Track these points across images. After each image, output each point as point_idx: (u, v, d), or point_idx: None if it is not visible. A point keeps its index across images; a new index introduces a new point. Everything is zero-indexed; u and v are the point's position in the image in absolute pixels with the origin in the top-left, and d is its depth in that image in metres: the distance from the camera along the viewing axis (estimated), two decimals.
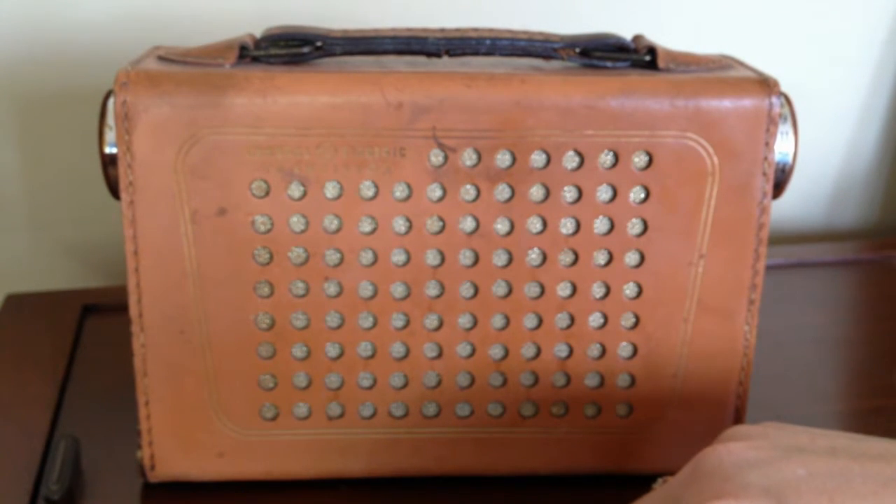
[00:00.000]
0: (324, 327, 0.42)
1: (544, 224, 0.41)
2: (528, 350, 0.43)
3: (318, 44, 0.41)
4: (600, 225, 0.41)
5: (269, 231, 0.40)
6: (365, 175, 0.40)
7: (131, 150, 0.39)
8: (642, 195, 0.41)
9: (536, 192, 0.41)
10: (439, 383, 0.43)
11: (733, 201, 0.41)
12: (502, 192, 0.40)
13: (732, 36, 0.70)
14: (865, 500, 0.29)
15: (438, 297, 0.42)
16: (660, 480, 0.36)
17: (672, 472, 0.45)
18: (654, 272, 0.42)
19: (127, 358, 0.42)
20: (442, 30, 0.42)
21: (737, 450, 0.32)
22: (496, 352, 0.43)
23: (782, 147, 0.41)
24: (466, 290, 0.42)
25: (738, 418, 0.44)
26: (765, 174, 0.41)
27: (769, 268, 0.66)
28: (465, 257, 0.41)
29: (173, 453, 0.43)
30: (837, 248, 0.73)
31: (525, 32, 0.42)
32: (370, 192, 0.40)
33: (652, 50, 0.42)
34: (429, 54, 0.42)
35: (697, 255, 0.41)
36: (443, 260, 0.41)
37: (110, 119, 0.39)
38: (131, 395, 0.42)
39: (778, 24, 0.71)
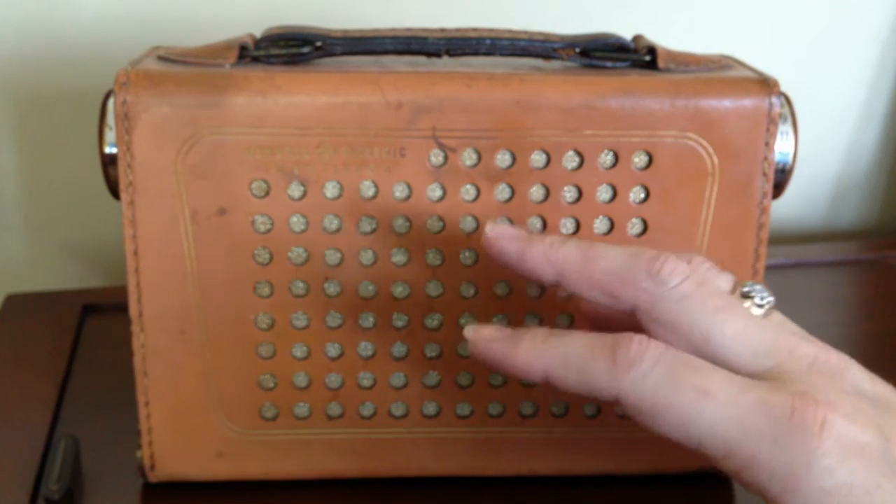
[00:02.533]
0: (324, 327, 0.42)
1: (544, 224, 0.41)
2: None
3: (318, 44, 0.41)
4: (600, 225, 0.41)
5: (269, 231, 0.40)
6: (365, 175, 0.40)
7: (131, 150, 0.39)
8: (642, 195, 0.41)
9: (536, 192, 0.41)
10: (439, 383, 0.43)
11: (733, 201, 0.41)
12: (502, 192, 0.41)
13: (732, 36, 0.70)
14: None
15: (438, 297, 0.42)
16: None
17: (672, 473, 0.45)
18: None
19: (127, 358, 0.42)
20: (442, 30, 0.42)
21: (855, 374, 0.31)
22: None
23: (782, 147, 0.41)
24: (466, 290, 0.42)
25: None
26: (765, 174, 0.41)
27: (769, 268, 0.66)
28: (465, 257, 0.41)
29: (173, 453, 0.43)
30: (837, 248, 0.73)
31: (525, 32, 0.42)
32: (370, 192, 0.40)
33: (652, 50, 0.42)
34: (429, 54, 0.42)
35: None
36: (443, 260, 0.41)
37: (110, 119, 0.39)
38: (131, 395, 0.42)
39: (778, 24, 0.71)
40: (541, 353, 0.32)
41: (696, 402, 0.29)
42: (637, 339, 0.30)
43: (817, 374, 0.30)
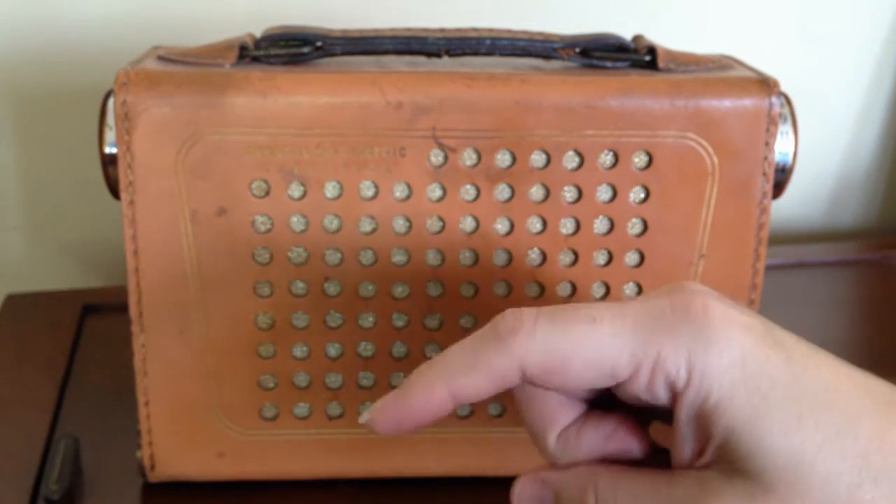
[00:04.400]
0: (324, 327, 0.42)
1: (544, 224, 0.41)
2: None
3: (318, 44, 0.41)
4: (600, 225, 0.41)
5: (269, 231, 0.40)
6: (365, 175, 0.40)
7: (131, 150, 0.39)
8: (642, 195, 0.41)
9: (536, 192, 0.41)
10: None
11: (733, 201, 0.41)
12: (502, 192, 0.41)
13: (732, 36, 0.70)
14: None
15: (438, 297, 0.42)
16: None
17: None
18: (654, 272, 0.42)
19: (127, 358, 0.42)
20: (442, 30, 0.42)
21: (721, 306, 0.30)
22: None
23: (782, 147, 0.41)
24: (466, 290, 0.42)
25: None
26: (765, 174, 0.41)
27: (769, 268, 0.66)
28: (465, 257, 0.41)
29: (173, 453, 0.43)
30: (837, 248, 0.73)
31: (525, 32, 0.42)
32: (370, 192, 0.40)
33: (652, 50, 0.42)
34: (429, 54, 0.42)
35: (697, 255, 0.42)
36: (443, 260, 0.41)
37: (110, 119, 0.40)
38: (131, 395, 0.42)
39: (778, 25, 0.71)
40: (432, 377, 0.31)
41: (591, 332, 0.29)
42: (509, 310, 0.30)
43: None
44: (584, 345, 0.29)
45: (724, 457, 0.29)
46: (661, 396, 0.30)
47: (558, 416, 0.32)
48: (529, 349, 0.30)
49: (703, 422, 0.29)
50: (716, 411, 0.28)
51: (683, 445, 0.30)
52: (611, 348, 0.29)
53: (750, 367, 0.28)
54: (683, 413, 0.29)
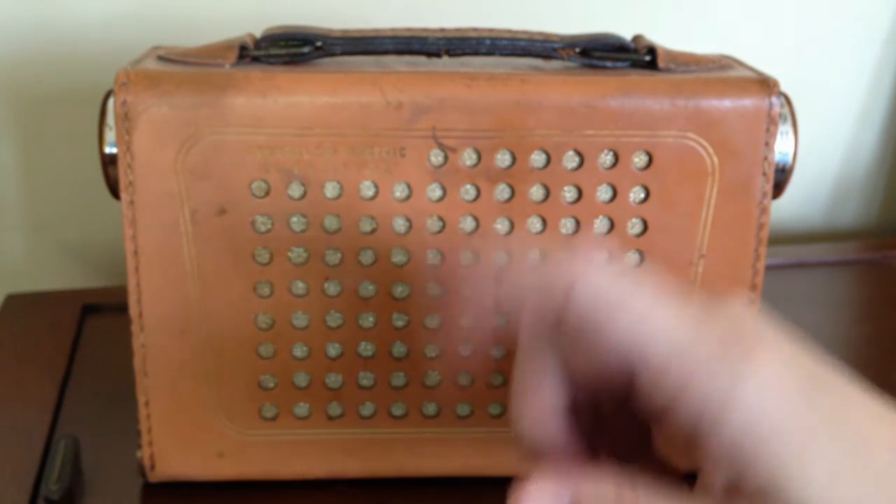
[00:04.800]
0: (324, 327, 0.42)
1: (544, 224, 0.41)
2: None
3: (318, 44, 0.41)
4: (600, 225, 0.41)
5: (269, 231, 0.40)
6: (365, 175, 0.40)
7: (131, 150, 0.39)
8: (642, 195, 0.41)
9: (536, 192, 0.41)
10: (439, 383, 0.43)
11: (733, 201, 0.41)
12: (502, 192, 0.41)
13: (732, 36, 0.70)
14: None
15: (439, 296, 0.42)
16: None
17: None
18: (654, 272, 0.42)
19: (127, 358, 0.42)
20: (442, 30, 0.42)
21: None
22: (497, 351, 0.43)
23: (782, 147, 0.41)
24: (466, 290, 0.42)
25: None
26: (765, 174, 0.41)
27: (769, 268, 0.66)
28: (465, 257, 0.41)
29: (173, 453, 0.43)
30: (837, 248, 0.73)
31: (525, 32, 0.42)
32: (370, 192, 0.40)
33: (652, 50, 0.42)
34: (429, 54, 0.42)
35: (697, 254, 0.41)
36: (443, 260, 0.41)
37: (110, 119, 0.40)
38: (131, 395, 0.42)
39: (778, 25, 0.71)
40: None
41: (653, 301, 0.28)
42: (594, 238, 0.29)
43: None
44: (640, 309, 0.28)
45: (759, 499, 0.27)
46: (686, 417, 0.28)
47: (548, 389, 0.31)
48: (591, 276, 0.28)
49: (736, 459, 0.27)
50: (753, 452, 0.27)
51: (715, 478, 0.28)
52: (659, 332, 0.27)
53: (791, 411, 0.27)
54: (716, 447, 0.27)
